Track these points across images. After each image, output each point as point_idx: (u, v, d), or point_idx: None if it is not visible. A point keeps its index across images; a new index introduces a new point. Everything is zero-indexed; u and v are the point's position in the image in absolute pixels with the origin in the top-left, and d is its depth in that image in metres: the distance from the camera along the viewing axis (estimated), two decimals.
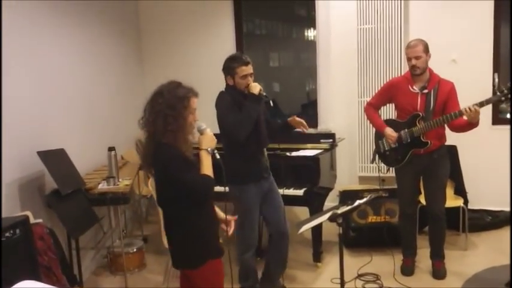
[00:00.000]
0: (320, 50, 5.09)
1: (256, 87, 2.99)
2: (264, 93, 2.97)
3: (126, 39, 5.29)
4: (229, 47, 5.31)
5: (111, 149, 3.88)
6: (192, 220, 2.26)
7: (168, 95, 2.20)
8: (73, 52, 4.18)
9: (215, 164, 2.32)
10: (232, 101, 3.05)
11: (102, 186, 3.79)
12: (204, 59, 5.42)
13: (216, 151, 2.30)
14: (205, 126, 2.31)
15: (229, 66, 3.05)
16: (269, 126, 3.27)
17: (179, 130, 2.19)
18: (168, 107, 2.18)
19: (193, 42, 5.45)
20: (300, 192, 3.70)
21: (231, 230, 2.49)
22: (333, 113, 5.14)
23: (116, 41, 5.05)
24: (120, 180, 3.91)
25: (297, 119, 3.18)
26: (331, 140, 4.37)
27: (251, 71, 3.03)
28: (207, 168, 2.24)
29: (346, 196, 4.28)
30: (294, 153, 4.01)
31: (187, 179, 2.16)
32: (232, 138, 3.00)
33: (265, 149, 3.21)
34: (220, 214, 2.48)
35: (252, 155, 3.12)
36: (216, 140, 2.30)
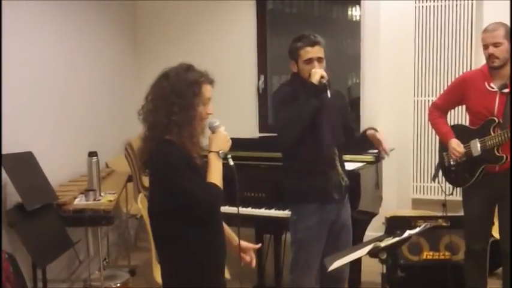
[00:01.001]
0: (366, 34, 5.15)
1: (315, 74, 3.01)
2: (325, 81, 2.98)
3: (117, 26, 5.44)
4: (247, 32, 5.51)
5: (92, 154, 3.95)
6: (188, 243, 2.29)
7: (175, 78, 2.27)
8: (48, 39, 4.29)
9: (227, 173, 2.35)
10: (291, 94, 3.11)
11: (80, 202, 3.84)
12: (215, 50, 5.61)
13: (229, 156, 2.34)
14: (218, 122, 2.36)
15: (292, 48, 3.13)
16: (348, 131, 3.31)
17: (186, 123, 2.25)
18: (173, 93, 2.24)
19: (201, 29, 5.65)
20: None
21: (253, 262, 2.53)
22: (381, 115, 5.17)
23: (104, 28, 5.17)
24: (102, 194, 3.96)
25: (378, 136, 3.18)
26: (376, 151, 4.15)
27: (319, 54, 3.07)
28: (215, 175, 2.28)
29: (395, 224, 4.30)
30: None
31: (188, 187, 2.20)
32: (279, 141, 3.09)
33: (337, 160, 3.20)
34: (234, 238, 2.52)
35: (309, 165, 3.15)
36: (230, 141, 2.35)
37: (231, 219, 2.60)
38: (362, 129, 5.05)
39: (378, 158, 4.25)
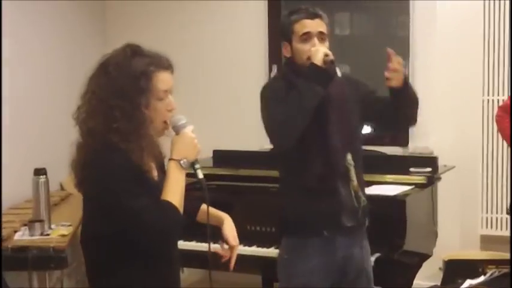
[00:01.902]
0: (417, 12, 5.15)
1: (317, 52, 3.01)
2: (331, 58, 2.99)
3: (81, 6, 5.59)
4: (256, 9, 5.61)
5: (39, 172, 3.91)
6: (129, 282, 2.32)
7: (115, 72, 2.29)
8: None
9: (191, 189, 2.39)
10: (286, 88, 3.12)
11: (22, 237, 3.81)
12: (213, 34, 5.75)
13: (198, 166, 2.37)
14: (185, 121, 2.37)
15: (284, 23, 3.18)
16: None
17: (132, 131, 2.27)
18: (113, 93, 2.27)
19: (193, 8, 5.79)
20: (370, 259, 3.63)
21: (232, 261, 2.64)
22: (436, 120, 5.13)
23: (63, 7, 5.31)
24: (53, 226, 3.92)
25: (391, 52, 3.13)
26: (429, 170, 4.34)
27: (321, 28, 3.12)
28: (172, 191, 2.28)
29: (456, 270, 4.32)
30: None
31: (131, 206, 2.22)
32: (274, 144, 3.13)
33: (352, 172, 3.14)
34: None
35: (309, 180, 3.12)
36: (199, 147, 2.36)
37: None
38: (411, 141, 4.88)
39: (432, 179, 4.23)
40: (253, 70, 5.68)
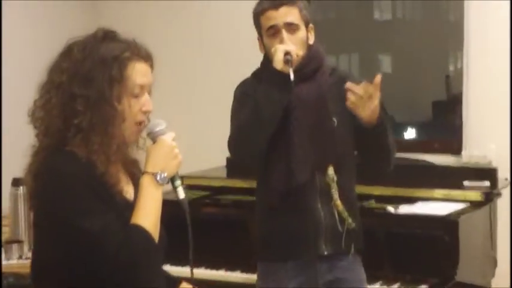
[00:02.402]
0: None
1: (276, 52, 3.03)
2: (290, 58, 2.99)
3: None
4: None
5: (18, 182, 3.93)
6: None
7: (81, 55, 2.21)
8: None
9: (174, 212, 2.29)
10: (253, 90, 3.17)
11: None
12: (209, 34, 5.78)
13: (178, 182, 2.29)
14: (164, 126, 2.31)
15: (253, 15, 3.21)
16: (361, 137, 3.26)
17: (97, 129, 2.18)
18: (75, 79, 2.19)
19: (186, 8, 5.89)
20: None
21: None
22: (496, 122, 4.99)
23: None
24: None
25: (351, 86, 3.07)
26: (487, 184, 4.26)
27: (288, 18, 3.12)
28: (144, 213, 2.20)
29: None
30: (405, 209, 3.97)
31: (92, 230, 2.11)
32: (234, 160, 3.33)
33: (333, 188, 3.15)
34: None
35: (279, 198, 3.15)
36: (180, 159, 2.29)
37: None
38: (466, 148, 4.89)
39: (491, 196, 4.20)
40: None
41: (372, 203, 3.95)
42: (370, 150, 3.17)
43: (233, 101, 3.25)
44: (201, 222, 3.89)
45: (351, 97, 2.99)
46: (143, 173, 2.25)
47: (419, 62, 5.92)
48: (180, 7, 5.89)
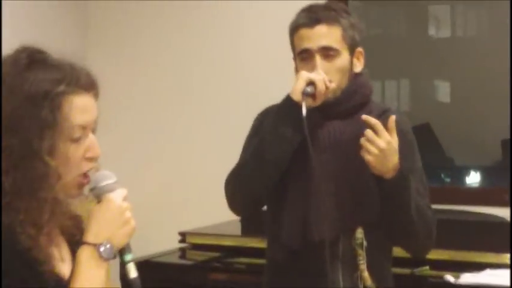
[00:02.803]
0: None
1: (297, 80, 2.93)
2: (310, 90, 2.88)
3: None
4: None
5: None
6: None
7: (2, 91, 2.01)
8: None
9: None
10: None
11: None
12: (238, 35, 5.61)
13: (129, 256, 2.09)
14: (112, 180, 2.12)
15: (289, 30, 3.13)
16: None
17: (26, 189, 1.98)
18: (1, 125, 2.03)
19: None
20: None
21: None
22: None
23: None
24: None
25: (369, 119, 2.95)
26: None
27: (323, 41, 2.97)
28: None
29: None
30: (468, 279, 3.80)
31: None
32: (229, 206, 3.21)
33: (360, 256, 3.00)
34: None
35: (292, 256, 3.04)
36: (132, 225, 2.10)
37: None
38: None
39: None
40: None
41: (426, 270, 3.76)
42: (387, 215, 2.96)
43: (249, 131, 3.21)
44: None
45: (369, 149, 2.83)
46: (82, 242, 2.04)
47: (484, 89, 5.76)
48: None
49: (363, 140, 2.84)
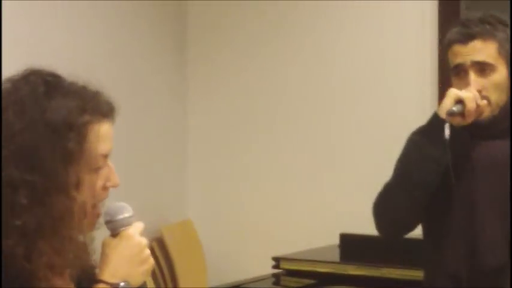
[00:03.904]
0: None
1: (447, 97, 2.79)
2: (456, 109, 2.74)
3: (158, 32, 5.77)
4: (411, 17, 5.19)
5: None
6: None
7: (20, 121, 1.78)
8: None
9: None
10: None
11: None
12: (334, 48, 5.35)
13: None
14: (129, 213, 1.93)
15: (443, 46, 3.11)
16: None
17: (49, 232, 1.77)
18: (17, 159, 1.77)
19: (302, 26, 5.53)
20: None
21: None
22: None
23: (139, 33, 5.55)
24: None
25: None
26: None
27: (477, 56, 2.81)
28: None
29: None
30: None
31: None
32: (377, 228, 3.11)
33: None
34: None
35: (459, 284, 2.89)
36: (151, 263, 1.94)
37: None
38: None
39: None
40: (411, 102, 4.86)
41: None
42: None
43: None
44: None
45: None
46: (98, 280, 1.87)
47: None
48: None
49: None
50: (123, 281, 1.84)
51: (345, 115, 5.12)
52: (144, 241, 1.90)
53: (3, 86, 1.82)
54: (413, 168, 2.81)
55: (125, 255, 1.87)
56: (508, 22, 2.91)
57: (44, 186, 1.72)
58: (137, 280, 1.88)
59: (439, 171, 2.76)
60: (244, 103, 5.60)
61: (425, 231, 2.99)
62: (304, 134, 5.30)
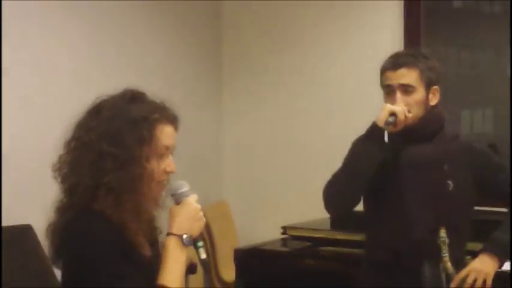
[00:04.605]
0: None
1: (382, 110, 3.12)
2: (391, 120, 3.08)
3: (193, 41, 6.03)
4: (390, 38, 5.51)
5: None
6: None
7: (110, 113, 2.23)
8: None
9: (192, 270, 2.40)
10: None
11: None
12: (338, 64, 5.86)
13: (201, 243, 2.31)
14: (187, 188, 2.34)
15: (380, 72, 3.32)
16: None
17: (126, 187, 2.18)
18: (105, 137, 2.19)
19: (314, 34, 5.99)
20: None
21: None
22: None
23: (172, 39, 5.82)
24: None
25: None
26: None
27: (403, 80, 3.18)
28: (171, 274, 2.20)
29: None
30: None
31: None
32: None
33: (444, 250, 3.19)
34: None
35: (386, 253, 3.25)
36: (204, 221, 2.33)
37: None
38: None
39: None
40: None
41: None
42: None
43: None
44: (301, 273, 4.35)
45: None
46: (168, 233, 2.24)
47: None
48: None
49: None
50: (187, 233, 2.22)
51: (337, 118, 5.64)
52: (199, 206, 2.28)
53: (100, 101, 2.26)
54: (357, 161, 3.16)
55: (187, 216, 2.25)
56: (428, 55, 3.30)
57: (124, 157, 2.14)
58: (195, 233, 2.24)
59: (375, 165, 3.10)
60: (275, 103, 6.05)
61: (367, 214, 3.36)
62: (320, 129, 5.77)
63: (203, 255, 2.27)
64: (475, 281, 3.13)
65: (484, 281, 3.12)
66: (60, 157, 2.23)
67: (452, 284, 3.13)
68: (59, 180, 2.22)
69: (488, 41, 5.59)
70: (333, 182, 3.22)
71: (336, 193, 3.21)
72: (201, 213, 2.29)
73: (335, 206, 3.29)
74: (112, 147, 2.16)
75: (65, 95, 4.69)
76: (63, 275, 2.21)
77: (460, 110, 5.62)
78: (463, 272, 3.13)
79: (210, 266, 2.06)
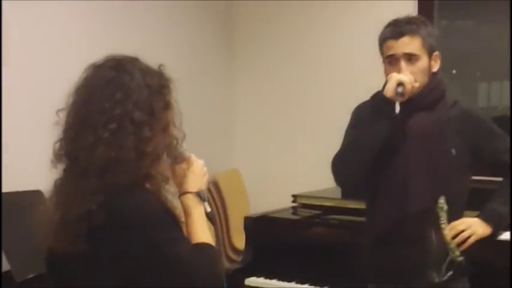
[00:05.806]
0: None
1: (389, 80, 3.08)
2: (400, 90, 3.04)
3: (206, 24, 6.11)
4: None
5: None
6: None
7: (136, 84, 2.18)
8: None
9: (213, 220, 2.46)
10: (368, 112, 3.25)
11: None
12: (344, 49, 5.95)
13: (205, 196, 2.38)
14: (184, 147, 2.39)
15: (378, 41, 3.26)
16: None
17: (159, 155, 2.21)
18: (139, 108, 2.15)
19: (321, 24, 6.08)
20: None
21: None
22: None
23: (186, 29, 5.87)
24: None
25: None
26: None
27: (407, 49, 3.14)
28: (202, 229, 2.28)
29: None
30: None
31: (184, 254, 2.12)
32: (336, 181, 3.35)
33: (443, 222, 3.15)
34: None
35: (385, 227, 3.23)
36: (208, 176, 2.43)
37: None
38: None
39: None
40: None
41: None
42: None
43: (349, 122, 3.37)
44: (311, 242, 4.33)
45: (463, 235, 3.13)
46: (187, 192, 2.31)
47: None
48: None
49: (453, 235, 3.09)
50: (200, 189, 2.33)
51: (337, 95, 5.76)
52: (203, 162, 2.38)
53: (110, 62, 2.22)
54: (365, 136, 3.12)
55: (197, 174, 2.34)
56: (426, 20, 3.24)
57: (157, 125, 2.16)
58: (204, 187, 2.34)
59: (382, 137, 3.07)
60: (283, 80, 6.16)
61: (368, 184, 3.27)
62: (333, 97, 5.87)
63: (208, 208, 2.34)
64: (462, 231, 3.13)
65: (469, 237, 3.11)
66: (64, 137, 2.17)
67: (446, 231, 3.10)
68: (85, 157, 2.09)
69: (505, 13, 5.43)
70: (342, 156, 3.21)
71: (345, 168, 3.19)
72: (205, 169, 2.39)
73: (343, 180, 3.29)
74: (146, 116, 2.16)
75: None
76: (102, 259, 2.08)
77: (478, 82, 5.63)
78: (457, 222, 3.12)
79: (216, 219, 2.17)
